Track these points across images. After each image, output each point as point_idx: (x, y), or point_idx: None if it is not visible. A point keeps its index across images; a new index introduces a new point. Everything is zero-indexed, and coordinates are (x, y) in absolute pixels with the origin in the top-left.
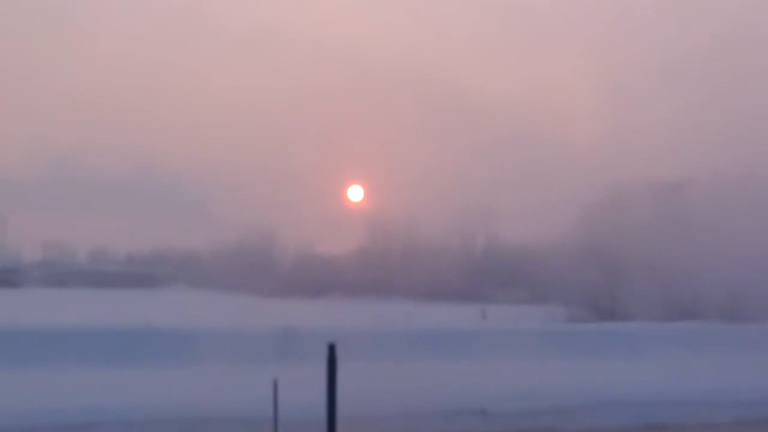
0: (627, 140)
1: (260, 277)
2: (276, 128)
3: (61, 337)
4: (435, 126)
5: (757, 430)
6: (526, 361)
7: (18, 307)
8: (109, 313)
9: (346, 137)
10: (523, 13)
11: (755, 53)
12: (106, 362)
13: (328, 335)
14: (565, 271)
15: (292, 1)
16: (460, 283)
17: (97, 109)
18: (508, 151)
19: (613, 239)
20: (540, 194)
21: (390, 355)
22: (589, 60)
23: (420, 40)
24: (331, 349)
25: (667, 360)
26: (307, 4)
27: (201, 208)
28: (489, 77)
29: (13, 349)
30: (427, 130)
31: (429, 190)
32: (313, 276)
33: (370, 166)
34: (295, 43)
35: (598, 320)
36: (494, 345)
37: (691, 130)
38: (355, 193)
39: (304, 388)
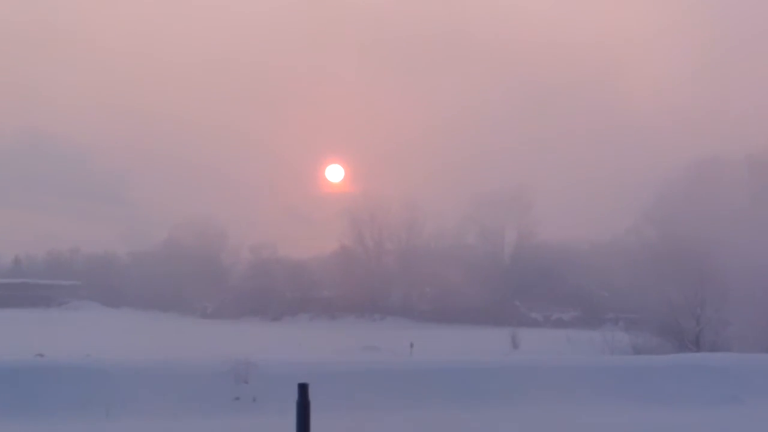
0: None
1: (201, 292)
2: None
3: None
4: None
5: None
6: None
7: None
8: None
9: (319, 101)
10: None
11: None
12: None
13: (298, 372)
14: (625, 279)
15: None
16: (481, 299)
17: None
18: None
19: (697, 232)
20: (592, 173)
21: (383, 402)
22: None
23: None
24: (303, 390)
25: None
26: None
27: (117, 196)
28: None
29: None
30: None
31: (437, 169)
32: (276, 288)
33: (353, 140)
34: None
35: (677, 349)
36: (532, 383)
37: None
38: (334, 173)
39: None
